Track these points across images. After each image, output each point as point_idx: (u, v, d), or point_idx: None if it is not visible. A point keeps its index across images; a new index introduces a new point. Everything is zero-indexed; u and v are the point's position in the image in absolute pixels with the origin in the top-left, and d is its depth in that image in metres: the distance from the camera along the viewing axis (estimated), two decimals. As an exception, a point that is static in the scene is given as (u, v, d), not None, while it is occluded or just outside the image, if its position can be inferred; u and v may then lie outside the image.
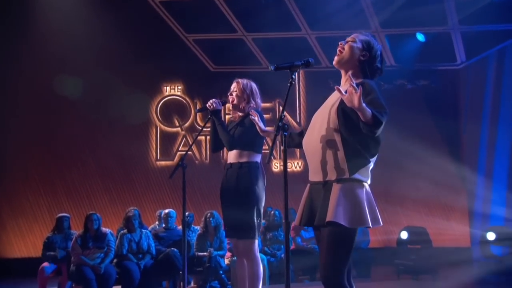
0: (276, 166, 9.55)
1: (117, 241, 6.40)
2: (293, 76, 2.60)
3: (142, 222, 7.24)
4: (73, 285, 6.28)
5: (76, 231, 7.27)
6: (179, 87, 9.59)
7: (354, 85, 2.25)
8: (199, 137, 9.52)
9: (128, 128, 9.11)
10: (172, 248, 6.47)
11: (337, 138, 2.41)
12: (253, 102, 3.82)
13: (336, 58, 2.57)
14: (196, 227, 7.70)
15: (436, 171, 7.96)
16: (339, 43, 2.58)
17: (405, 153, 8.62)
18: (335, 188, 2.39)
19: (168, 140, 9.44)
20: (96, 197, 8.94)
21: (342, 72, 2.61)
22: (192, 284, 6.86)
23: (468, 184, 8.14)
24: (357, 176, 2.40)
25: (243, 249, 3.76)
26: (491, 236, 6.63)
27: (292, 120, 9.72)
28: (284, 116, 2.54)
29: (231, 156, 3.84)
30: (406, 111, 8.77)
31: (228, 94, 3.90)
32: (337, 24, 7.74)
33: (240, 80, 3.83)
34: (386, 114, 2.31)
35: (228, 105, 3.90)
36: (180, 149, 9.43)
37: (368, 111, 2.25)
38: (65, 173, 8.96)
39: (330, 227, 2.36)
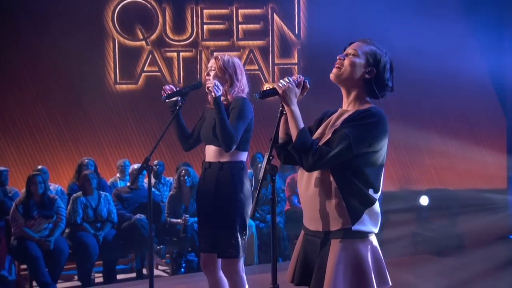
0: (268, 93, 9.09)
1: (69, 207, 6.12)
2: (282, 108, 2.43)
3: (99, 174, 6.97)
4: (16, 263, 6.10)
5: (16, 188, 7.01)
6: (142, -14, 8.83)
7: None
8: (169, 53, 8.98)
9: (77, 41, 8.50)
10: (138, 216, 6.25)
11: (332, 176, 2.34)
12: (237, 84, 3.58)
13: (334, 71, 2.45)
14: (168, 179, 7.47)
15: (469, 101, 7.68)
16: (338, 57, 2.45)
17: (431, 78, 8.28)
18: (334, 248, 2.35)
19: (129, 56, 8.88)
20: (41, 134, 8.51)
21: (343, 90, 2.49)
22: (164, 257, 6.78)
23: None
24: (360, 227, 2.35)
25: (224, 269, 3.64)
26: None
27: (290, 33, 9.10)
28: (273, 157, 2.39)
29: (210, 153, 3.64)
30: (433, 18, 8.31)
31: (205, 73, 3.66)
32: None
33: (219, 56, 3.61)
34: (327, 157, 2.25)
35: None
36: (145, 69, 8.90)
37: (298, 124, 2.32)
38: (-2, 101, 8.44)
39: None
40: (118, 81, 8.83)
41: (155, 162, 7.27)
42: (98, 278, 6.20)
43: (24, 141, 8.46)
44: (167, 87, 3.70)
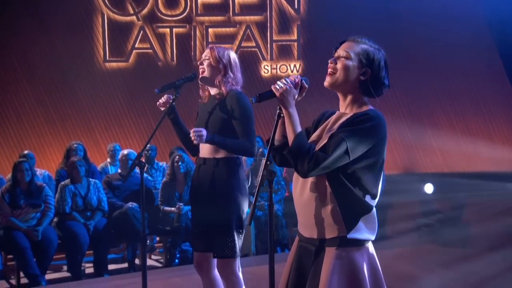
0: (267, 69, 8.98)
1: (57, 195, 6.06)
2: (280, 111, 2.40)
3: (88, 160, 6.89)
4: (2, 253, 6.06)
5: (2, 174, 6.93)
6: (132, -44, 8.67)
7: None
8: (161, 29, 8.83)
9: (64, 16, 8.38)
10: (130, 204, 6.19)
11: (327, 181, 2.33)
12: (231, 76, 3.55)
13: (327, 79, 2.43)
14: (161, 164, 7.42)
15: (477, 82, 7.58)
16: (329, 61, 2.43)
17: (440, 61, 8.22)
18: (329, 257, 2.34)
19: (119, 33, 8.77)
20: (27, 116, 8.41)
21: (339, 95, 2.48)
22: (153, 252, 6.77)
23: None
24: (356, 235, 2.34)
25: (220, 269, 3.62)
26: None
27: (290, 8, 8.95)
28: (271, 162, 2.39)
29: (204, 149, 3.61)
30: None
31: (198, 63, 3.65)
32: None
33: (215, 47, 3.61)
34: (323, 164, 2.22)
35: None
36: (136, 46, 8.76)
37: (295, 128, 2.29)
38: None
39: None
40: (107, 58, 8.71)
41: (147, 146, 7.20)
42: (89, 268, 6.18)
43: (10, 123, 8.36)
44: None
